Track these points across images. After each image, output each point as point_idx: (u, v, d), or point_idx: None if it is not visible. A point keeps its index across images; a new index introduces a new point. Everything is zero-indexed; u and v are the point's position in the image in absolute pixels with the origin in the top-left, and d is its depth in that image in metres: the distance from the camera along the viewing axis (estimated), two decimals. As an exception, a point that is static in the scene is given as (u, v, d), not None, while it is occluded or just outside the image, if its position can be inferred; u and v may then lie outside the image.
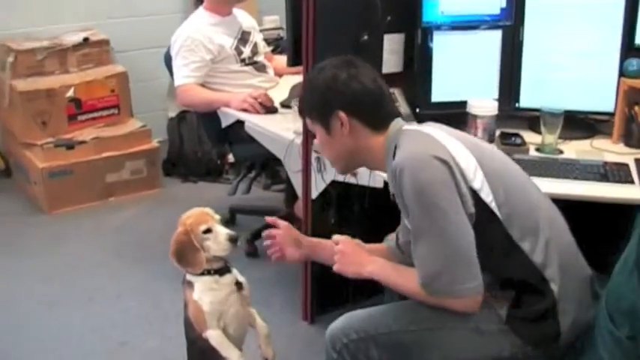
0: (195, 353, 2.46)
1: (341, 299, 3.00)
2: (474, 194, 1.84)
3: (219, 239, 2.29)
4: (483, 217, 1.85)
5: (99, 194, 4.67)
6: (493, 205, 1.87)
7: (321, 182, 2.90)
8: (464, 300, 1.87)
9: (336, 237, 2.19)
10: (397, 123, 2.02)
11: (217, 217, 2.39)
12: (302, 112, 2.20)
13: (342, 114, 1.99)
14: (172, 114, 5.21)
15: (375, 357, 1.98)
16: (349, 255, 2.11)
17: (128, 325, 3.33)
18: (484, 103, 2.82)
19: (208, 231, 2.30)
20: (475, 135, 2.78)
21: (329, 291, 3.08)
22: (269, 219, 2.35)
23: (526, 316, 1.92)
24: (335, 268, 2.12)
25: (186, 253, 2.31)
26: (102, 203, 4.66)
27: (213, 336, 2.33)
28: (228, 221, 4.22)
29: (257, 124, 3.33)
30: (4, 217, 4.49)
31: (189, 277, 2.37)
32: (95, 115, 4.81)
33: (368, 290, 2.52)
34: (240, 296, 2.42)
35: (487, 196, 1.87)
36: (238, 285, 2.42)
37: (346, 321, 2.05)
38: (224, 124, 3.81)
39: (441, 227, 1.81)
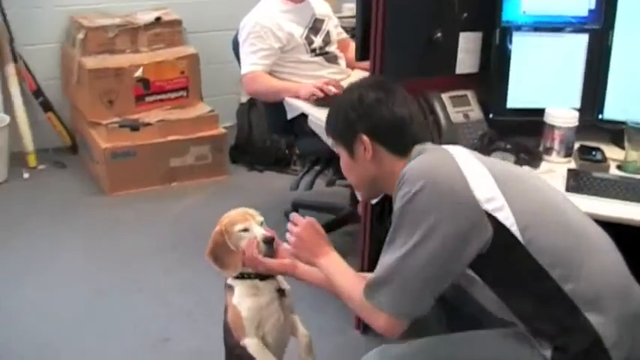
0: None
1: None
2: (490, 217, 1.72)
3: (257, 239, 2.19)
4: (503, 241, 1.73)
5: (161, 178, 4.59)
6: (514, 229, 1.74)
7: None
8: (390, 320, 1.79)
9: (294, 216, 2.10)
10: (421, 146, 1.93)
11: (260, 218, 2.28)
12: (327, 132, 2.09)
13: (365, 138, 1.91)
14: (244, 99, 5.06)
15: None
16: (305, 241, 2.04)
17: (173, 320, 3.24)
18: (563, 113, 2.65)
19: (245, 231, 2.21)
20: (551, 147, 2.65)
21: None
22: (294, 217, 2.16)
23: (572, 358, 1.75)
24: (290, 251, 2.09)
25: (221, 253, 2.23)
26: (164, 188, 4.58)
27: (251, 345, 2.23)
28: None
29: (320, 118, 3.12)
30: (65, 194, 4.48)
31: (229, 280, 2.29)
32: (163, 96, 4.71)
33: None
34: (282, 304, 2.32)
35: (506, 219, 1.74)
36: (281, 292, 2.31)
37: (379, 356, 1.89)
38: (289, 115, 3.67)
39: (413, 248, 1.73)
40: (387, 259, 1.77)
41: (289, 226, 2.09)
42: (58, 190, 4.57)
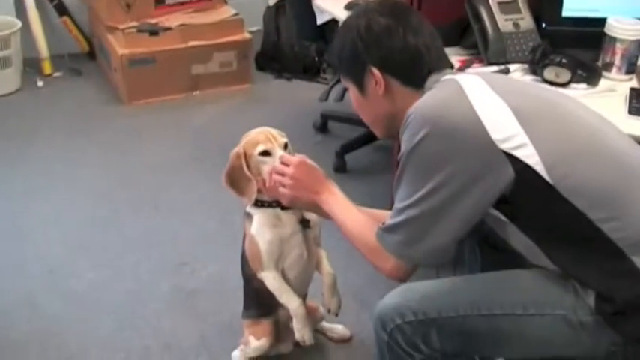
0: (250, 292, 2.24)
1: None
2: (510, 157, 1.52)
3: (276, 163, 1.99)
4: (528, 182, 1.53)
5: (183, 87, 4.39)
6: (539, 169, 1.52)
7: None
8: (398, 264, 1.65)
9: (283, 156, 1.97)
10: (436, 75, 1.71)
11: (284, 139, 2.06)
12: (333, 64, 1.80)
13: (375, 71, 1.71)
14: (271, 2, 4.78)
15: (435, 344, 1.66)
16: (301, 180, 1.90)
17: (191, 243, 3.08)
18: (627, 24, 2.35)
19: (266, 154, 2.01)
20: (611, 62, 2.36)
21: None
22: (283, 158, 1.98)
23: (619, 308, 1.55)
24: (285, 199, 1.94)
25: (237, 179, 2.05)
26: (185, 97, 4.39)
27: (269, 278, 2.09)
28: (320, 128, 3.97)
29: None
30: (81, 103, 4.32)
31: (248, 207, 2.10)
32: None
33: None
34: (306, 237, 2.13)
35: (529, 157, 1.52)
36: (305, 223, 2.12)
37: (402, 296, 1.70)
38: (319, 20, 3.43)
39: (425, 196, 1.56)
40: (399, 204, 1.62)
41: (278, 167, 1.94)
42: (73, 99, 4.39)
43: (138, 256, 2.99)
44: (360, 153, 3.67)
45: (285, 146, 2.05)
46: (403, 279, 1.70)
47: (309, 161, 1.95)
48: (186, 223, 3.21)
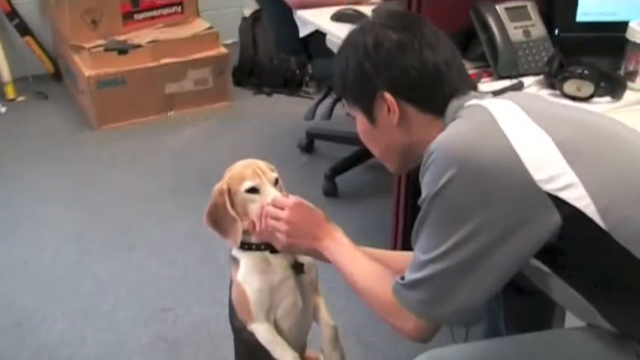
0: (241, 345, 2.01)
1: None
2: (556, 199, 1.29)
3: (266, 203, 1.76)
4: (577, 228, 1.30)
5: (156, 108, 4.18)
6: (591, 211, 1.28)
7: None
8: (420, 324, 1.42)
9: (276, 199, 1.72)
10: (458, 100, 1.48)
11: (273, 174, 1.82)
12: (336, 90, 1.70)
13: (388, 96, 1.48)
14: (247, 12, 4.63)
15: None
16: (299, 224, 1.68)
17: (172, 285, 2.83)
18: None
19: (254, 191, 1.78)
20: (635, 71, 2.11)
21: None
22: (276, 200, 1.74)
23: None
24: (280, 245, 1.71)
25: (221, 218, 1.81)
26: (159, 119, 4.18)
27: (260, 331, 1.85)
28: (305, 148, 3.78)
29: (340, 36, 2.54)
30: (48, 130, 4.07)
31: (234, 250, 1.87)
32: (154, 13, 4.23)
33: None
34: (300, 283, 1.89)
35: (578, 200, 1.28)
36: (298, 268, 1.88)
37: None
38: (302, 33, 3.22)
39: (452, 249, 1.34)
40: (422, 256, 1.39)
41: (271, 211, 1.71)
42: (39, 126, 4.16)
43: (113, 302, 2.73)
44: (352, 174, 3.46)
45: (276, 182, 1.82)
46: (425, 340, 1.47)
47: (306, 202, 1.72)
48: (166, 262, 2.96)
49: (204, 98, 4.27)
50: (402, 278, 1.43)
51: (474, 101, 1.45)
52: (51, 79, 4.60)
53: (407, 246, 2.60)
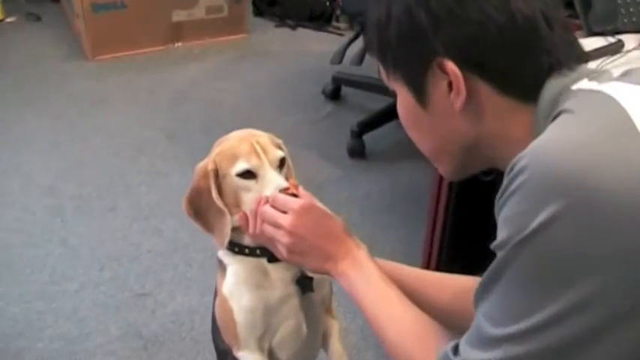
0: None
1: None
2: None
3: (264, 193, 1.33)
4: None
5: (160, 38, 3.83)
6: None
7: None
8: None
9: (277, 196, 1.26)
10: (565, 78, 0.98)
11: (278, 153, 1.37)
12: (370, 50, 1.14)
13: (451, 66, 0.97)
14: None
15: None
16: (309, 238, 1.22)
17: (157, 262, 2.40)
18: None
19: (249, 175, 1.35)
20: None
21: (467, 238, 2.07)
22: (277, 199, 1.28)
23: None
24: (282, 257, 1.28)
25: (204, 208, 1.41)
26: (163, 51, 3.81)
27: None
28: (330, 95, 3.38)
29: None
30: (36, 58, 3.82)
31: (221, 252, 1.45)
32: None
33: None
34: (306, 302, 1.46)
35: None
36: (304, 283, 1.44)
37: None
38: None
39: (550, 321, 0.87)
40: (493, 328, 0.94)
41: (268, 214, 1.25)
42: (26, 53, 3.82)
43: (82, 280, 2.32)
44: (383, 132, 3.03)
45: (281, 163, 1.37)
46: None
47: (319, 205, 1.26)
48: (151, 230, 2.54)
49: (218, 29, 3.93)
50: (456, 349, 0.99)
51: (586, 83, 0.96)
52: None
53: (449, 244, 2.13)
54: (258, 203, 1.27)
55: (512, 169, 0.89)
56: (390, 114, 3.03)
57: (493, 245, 0.91)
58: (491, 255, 0.99)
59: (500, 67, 0.98)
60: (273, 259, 1.39)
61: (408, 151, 2.89)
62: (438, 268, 2.22)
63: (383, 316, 1.17)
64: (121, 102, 3.33)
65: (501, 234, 0.90)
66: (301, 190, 1.27)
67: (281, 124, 2.97)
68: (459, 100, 0.99)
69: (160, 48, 3.78)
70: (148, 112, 3.24)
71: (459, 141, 1.07)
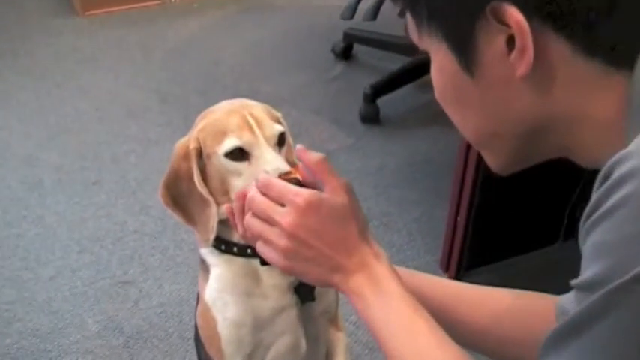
0: None
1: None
2: None
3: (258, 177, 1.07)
4: None
5: None
6: None
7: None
8: None
9: (269, 180, 0.98)
10: None
11: (277, 127, 1.14)
12: None
13: (513, 13, 0.69)
14: None
15: None
16: (312, 243, 0.93)
17: (143, 245, 2.17)
18: None
19: (240, 155, 1.11)
20: None
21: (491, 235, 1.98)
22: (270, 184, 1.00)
23: None
24: (276, 260, 0.97)
25: (185, 195, 1.19)
26: (159, 5, 3.60)
27: None
28: (341, 54, 3.14)
29: None
30: (22, 13, 3.62)
31: (203, 250, 1.23)
32: None
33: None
34: (305, 313, 1.25)
35: None
36: (303, 291, 1.22)
37: None
38: None
39: None
40: None
41: (259, 205, 0.97)
42: (12, 7, 3.64)
43: (58, 265, 2.09)
44: (399, 95, 2.79)
45: (281, 140, 1.14)
46: None
47: (329, 198, 0.95)
48: (138, 208, 2.31)
49: (219, -20, 3.62)
50: None
51: None
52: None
53: (475, 225, 1.97)
54: (242, 198, 1.01)
55: (608, 174, 0.66)
56: (407, 75, 2.83)
57: (576, 283, 0.69)
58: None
59: (585, 15, 0.71)
60: (267, 261, 1.14)
61: (427, 117, 2.74)
62: (461, 252, 1.98)
63: (406, 354, 0.90)
64: (111, 61, 3.10)
65: (592, 268, 0.67)
66: (302, 192, 0.97)
67: (286, 86, 2.76)
68: (523, 63, 0.73)
69: (157, 2, 3.56)
70: (141, 72, 3.01)
71: (518, 121, 0.80)
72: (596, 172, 0.67)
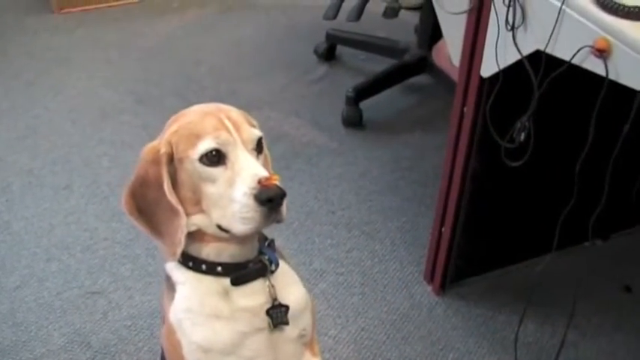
0: None
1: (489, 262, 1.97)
2: None
3: (237, 185, 1.03)
4: None
5: None
6: None
7: (512, 50, 1.46)
8: None
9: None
10: None
11: (254, 131, 1.10)
12: None
13: None
14: None
15: None
16: None
17: (115, 253, 2.06)
18: None
19: (216, 159, 1.04)
20: None
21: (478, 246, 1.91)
22: None
23: None
24: None
25: (152, 204, 1.10)
26: (138, 3, 3.45)
27: None
28: (324, 55, 3.03)
29: None
30: None
31: (169, 265, 1.16)
32: None
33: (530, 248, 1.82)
34: (280, 337, 1.17)
35: None
36: (276, 313, 1.14)
37: None
38: None
39: None
40: None
41: None
42: None
43: (24, 273, 1.98)
44: (383, 98, 2.69)
45: (259, 147, 1.09)
46: None
47: None
48: (109, 214, 2.18)
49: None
50: None
51: None
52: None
53: (462, 235, 1.89)
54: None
55: None
56: (391, 78, 2.73)
57: None
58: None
59: None
60: (238, 280, 1.07)
61: (412, 121, 2.64)
62: (446, 264, 1.89)
63: None
64: (86, 60, 2.94)
65: None
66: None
67: (267, 88, 2.66)
68: None
69: (135, 0, 3.40)
70: (117, 72, 2.86)
71: None
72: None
